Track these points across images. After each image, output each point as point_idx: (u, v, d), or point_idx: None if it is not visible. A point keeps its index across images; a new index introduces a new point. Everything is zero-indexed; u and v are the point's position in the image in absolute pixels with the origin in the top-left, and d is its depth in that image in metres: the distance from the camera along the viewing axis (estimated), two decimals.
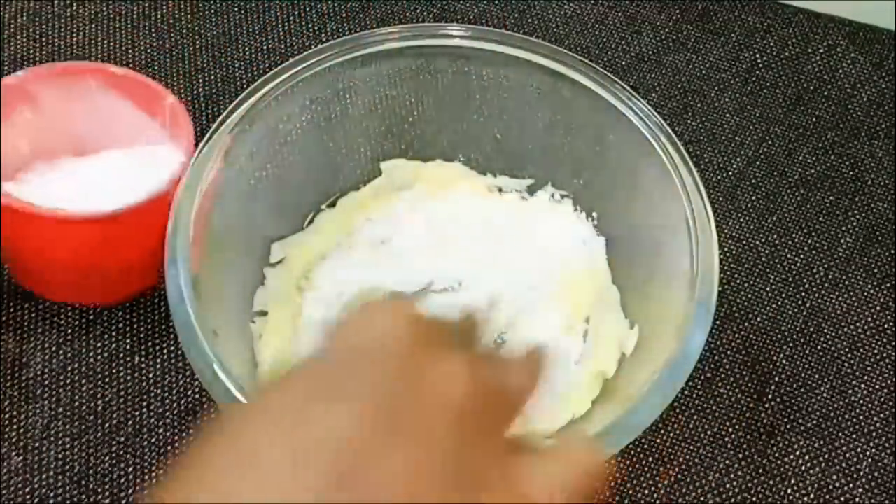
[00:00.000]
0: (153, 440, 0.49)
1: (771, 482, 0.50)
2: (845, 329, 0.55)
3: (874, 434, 0.51)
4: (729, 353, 0.54)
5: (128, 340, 0.52)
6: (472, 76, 0.52)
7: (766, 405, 0.52)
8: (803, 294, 0.56)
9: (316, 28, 0.65)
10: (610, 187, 0.52)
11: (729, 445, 0.51)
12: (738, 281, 0.56)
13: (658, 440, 0.51)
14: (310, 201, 0.54)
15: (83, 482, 0.47)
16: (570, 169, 0.53)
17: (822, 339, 0.55)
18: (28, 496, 0.47)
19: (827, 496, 0.50)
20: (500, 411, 0.29)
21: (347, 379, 0.26)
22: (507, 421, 0.29)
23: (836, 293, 0.56)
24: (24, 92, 0.50)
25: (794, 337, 0.55)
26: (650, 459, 0.50)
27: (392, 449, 0.25)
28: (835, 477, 0.50)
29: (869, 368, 0.54)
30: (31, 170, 0.51)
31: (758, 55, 0.66)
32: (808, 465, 0.50)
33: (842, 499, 0.50)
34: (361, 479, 0.24)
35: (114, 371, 0.51)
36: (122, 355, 0.51)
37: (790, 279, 0.57)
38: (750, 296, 0.56)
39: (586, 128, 0.51)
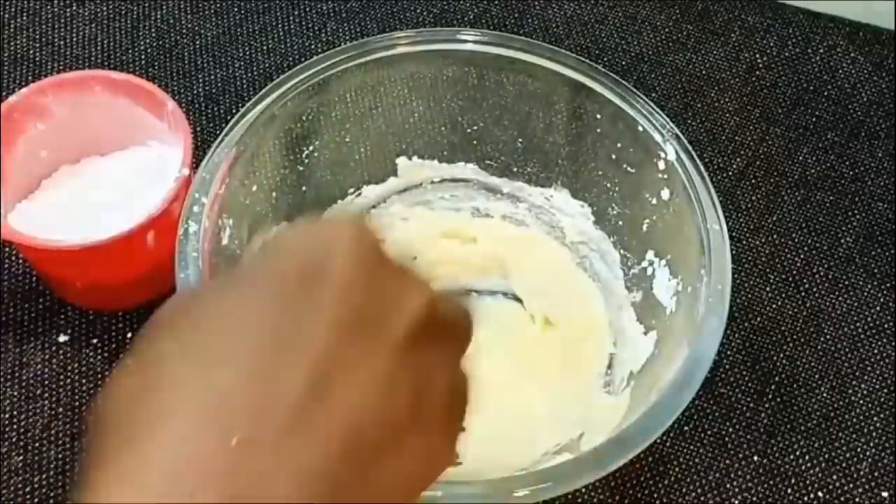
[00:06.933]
0: None
1: (771, 482, 0.50)
2: (845, 329, 0.55)
3: (874, 434, 0.51)
4: (729, 353, 0.54)
5: (128, 340, 0.52)
6: (485, 80, 0.52)
7: (766, 405, 0.52)
8: (803, 294, 0.56)
9: (316, 28, 0.65)
10: (620, 197, 0.52)
11: (729, 445, 0.51)
12: (738, 281, 0.56)
13: (658, 440, 0.51)
14: (317, 204, 0.54)
15: None
16: (585, 178, 0.53)
17: (822, 339, 0.55)
18: (28, 496, 0.47)
19: (827, 496, 0.50)
20: (454, 337, 0.29)
21: (314, 286, 0.26)
22: (458, 352, 0.30)
23: (836, 293, 0.56)
24: (33, 107, 0.52)
25: (794, 337, 0.55)
26: (650, 459, 0.50)
27: (359, 357, 0.25)
28: (835, 477, 0.50)
29: (869, 368, 0.54)
30: (56, 172, 0.54)
31: (758, 55, 0.66)
32: (808, 465, 0.50)
33: (842, 499, 0.50)
34: (336, 388, 0.25)
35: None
36: (122, 355, 0.51)
37: (790, 279, 0.57)
38: (750, 296, 0.56)
39: (597, 134, 0.51)
